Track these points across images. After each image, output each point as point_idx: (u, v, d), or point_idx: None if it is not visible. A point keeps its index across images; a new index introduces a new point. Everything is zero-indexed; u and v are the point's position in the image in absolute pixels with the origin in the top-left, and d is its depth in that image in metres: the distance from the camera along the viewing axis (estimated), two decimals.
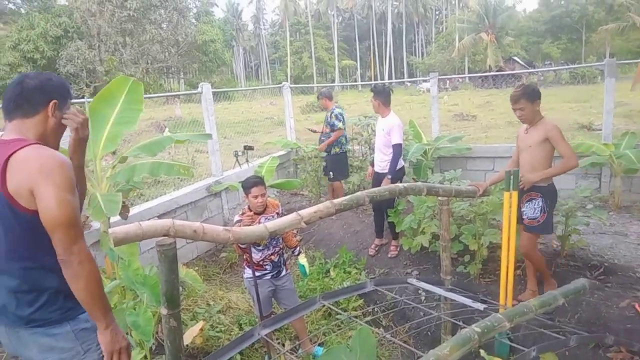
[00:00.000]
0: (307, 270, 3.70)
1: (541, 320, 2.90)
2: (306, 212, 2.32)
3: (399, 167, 4.79)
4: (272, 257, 3.47)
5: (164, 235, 1.88)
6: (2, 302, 1.68)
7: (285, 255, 3.72)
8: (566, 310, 3.40)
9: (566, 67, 33.26)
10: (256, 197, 3.30)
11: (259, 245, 3.41)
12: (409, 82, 35.41)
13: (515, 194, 2.94)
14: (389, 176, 4.62)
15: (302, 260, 3.66)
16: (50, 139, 1.76)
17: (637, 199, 5.84)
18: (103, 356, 1.70)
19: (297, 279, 4.64)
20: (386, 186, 2.91)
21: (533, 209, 3.36)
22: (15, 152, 1.57)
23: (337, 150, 6.37)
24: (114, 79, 4.11)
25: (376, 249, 5.14)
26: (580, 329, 2.99)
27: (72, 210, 1.57)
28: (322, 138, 6.52)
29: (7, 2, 29.22)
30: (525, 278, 3.76)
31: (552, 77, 33.21)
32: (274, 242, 3.47)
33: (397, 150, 4.67)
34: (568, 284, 2.54)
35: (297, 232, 6.23)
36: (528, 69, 34.57)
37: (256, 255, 3.42)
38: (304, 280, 4.68)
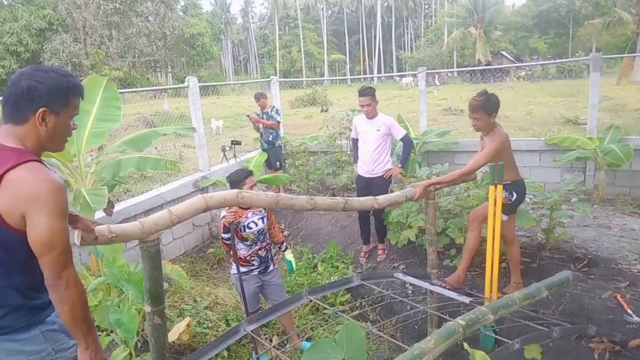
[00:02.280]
0: (294, 266, 3.70)
1: (525, 312, 2.93)
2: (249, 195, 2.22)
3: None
4: (260, 252, 3.46)
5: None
6: None
7: (273, 251, 3.71)
8: (550, 302, 3.44)
9: (553, 61, 33.47)
10: (252, 187, 3.30)
11: (247, 241, 3.40)
12: (398, 76, 35.48)
13: (500, 187, 2.96)
14: (400, 165, 4.90)
15: (289, 256, 3.66)
16: (49, 144, 1.64)
17: (621, 192, 5.93)
18: (75, 356, 1.68)
19: (284, 274, 4.64)
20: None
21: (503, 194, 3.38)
22: (10, 169, 1.49)
23: (279, 142, 7.12)
24: (89, 76, 4.05)
25: (366, 256, 5.08)
26: (564, 321, 3.04)
27: (63, 236, 1.53)
28: (263, 130, 7.00)
29: None
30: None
31: (540, 71, 33.45)
32: (261, 238, 3.46)
33: (409, 139, 4.87)
34: (552, 276, 2.58)
35: (285, 227, 6.24)
36: (516, 63, 34.77)
37: (243, 251, 3.41)
38: (292, 276, 4.68)
